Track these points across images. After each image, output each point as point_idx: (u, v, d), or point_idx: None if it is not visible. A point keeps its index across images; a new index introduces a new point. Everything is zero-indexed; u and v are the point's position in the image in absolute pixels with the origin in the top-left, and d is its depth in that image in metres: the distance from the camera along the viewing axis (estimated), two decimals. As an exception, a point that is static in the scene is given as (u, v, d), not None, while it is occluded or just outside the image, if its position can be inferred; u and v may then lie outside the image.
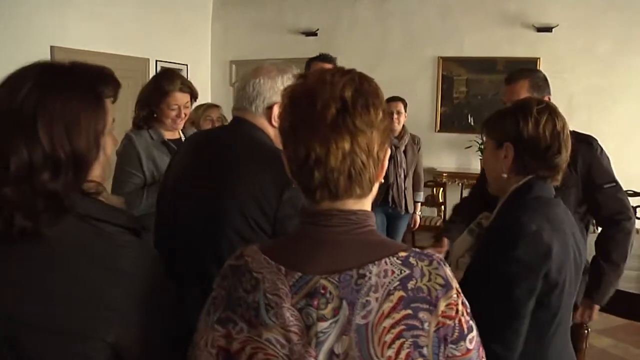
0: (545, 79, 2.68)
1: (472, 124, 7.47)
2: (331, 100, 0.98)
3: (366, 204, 1.07)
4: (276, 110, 1.80)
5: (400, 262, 0.99)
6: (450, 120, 7.62)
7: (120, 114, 5.09)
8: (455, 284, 1.00)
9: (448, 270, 1.02)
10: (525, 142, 1.67)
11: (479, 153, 7.02)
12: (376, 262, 0.98)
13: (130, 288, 1.07)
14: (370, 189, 1.06)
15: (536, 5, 7.14)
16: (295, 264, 1.00)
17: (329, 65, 3.65)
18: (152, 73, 7.57)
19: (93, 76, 1.13)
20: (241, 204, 1.69)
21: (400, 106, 4.87)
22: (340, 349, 0.95)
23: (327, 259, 1.00)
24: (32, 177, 1.01)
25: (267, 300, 0.99)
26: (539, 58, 7.11)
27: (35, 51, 5.94)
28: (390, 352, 0.94)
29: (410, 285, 0.97)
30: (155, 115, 3.03)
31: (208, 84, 8.95)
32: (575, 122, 6.99)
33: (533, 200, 1.66)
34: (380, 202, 4.81)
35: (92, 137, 1.09)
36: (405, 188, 4.87)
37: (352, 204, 1.04)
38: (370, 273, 0.97)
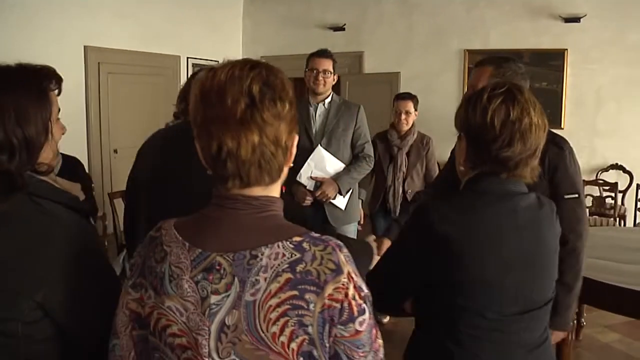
0: (521, 72, 2.35)
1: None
2: (240, 95, 1.05)
3: (273, 191, 1.15)
4: None
5: (292, 246, 1.06)
6: (477, 112, 7.58)
7: (151, 108, 5.31)
8: (347, 269, 1.06)
9: (342, 256, 1.07)
10: (472, 132, 1.55)
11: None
12: (269, 245, 1.05)
13: (57, 254, 1.25)
14: (279, 176, 1.14)
15: (563, -5, 7.08)
16: (198, 241, 1.10)
17: (327, 62, 3.70)
18: (183, 70, 7.78)
19: (37, 74, 1.33)
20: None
21: (410, 105, 4.52)
22: (230, 321, 1.04)
23: (226, 238, 1.09)
24: None
25: (171, 272, 1.09)
26: (566, 49, 7.06)
27: (69, 51, 6.22)
28: (275, 329, 1.02)
29: (299, 268, 1.03)
30: None
31: (240, 80, 9.10)
32: (604, 113, 7.00)
33: (468, 192, 1.60)
34: (379, 207, 4.59)
35: (40, 124, 1.30)
36: (404, 192, 4.48)
37: (260, 191, 1.12)
38: (262, 254, 1.05)
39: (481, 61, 2.46)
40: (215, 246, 1.09)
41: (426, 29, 7.88)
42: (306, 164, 3.60)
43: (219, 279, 1.06)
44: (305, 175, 3.60)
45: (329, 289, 1.03)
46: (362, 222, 4.31)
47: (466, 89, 2.53)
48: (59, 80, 1.37)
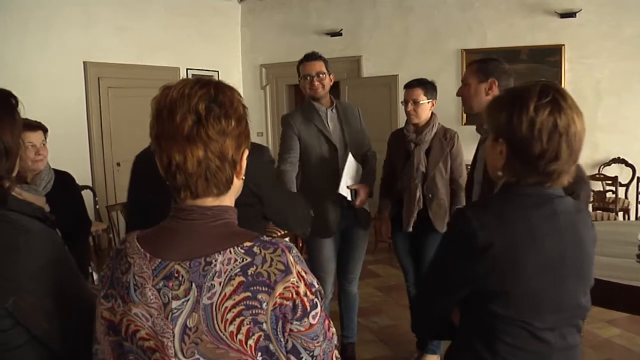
0: (505, 69, 2.63)
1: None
2: (187, 113, 1.13)
3: (226, 200, 1.23)
4: None
5: (243, 251, 1.14)
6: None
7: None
8: (296, 268, 1.14)
9: (291, 257, 1.15)
10: (517, 143, 1.47)
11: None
12: (222, 252, 1.14)
13: (24, 262, 1.31)
14: (228, 188, 1.22)
15: (558, -9, 7.10)
16: (158, 251, 1.18)
17: (318, 64, 3.59)
18: (182, 82, 7.82)
19: (2, 91, 1.46)
20: None
21: (418, 94, 3.67)
22: (191, 323, 1.12)
23: (182, 248, 1.17)
24: None
25: (135, 281, 1.17)
26: (563, 45, 7.08)
27: (69, 67, 6.28)
28: (232, 328, 1.10)
29: (251, 271, 1.11)
30: None
31: (240, 89, 9.14)
32: (604, 107, 6.99)
33: (507, 196, 1.54)
34: (395, 215, 3.84)
35: (15, 135, 1.42)
36: (424, 197, 3.68)
37: (211, 202, 1.20)
38: (215, 261, 1.13)
39: (469, 62, 2.70)
40: (173, 255, 1.16)
41: (423, 31, 7.92)
42: (343, 175, 3.50)
43: (178, 285, 1.14)
44: (344, 186, 3.51)
45: (280, 289, 1.11)
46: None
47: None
48: (16, 99, 1.49)
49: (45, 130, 3.07)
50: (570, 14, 7.01)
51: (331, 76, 3.63)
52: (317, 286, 1.18)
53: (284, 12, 8.87)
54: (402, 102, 3.77)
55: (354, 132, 3.67)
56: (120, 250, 1.24)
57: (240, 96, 1.23)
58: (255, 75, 9.28)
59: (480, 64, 2.67)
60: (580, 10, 6.97)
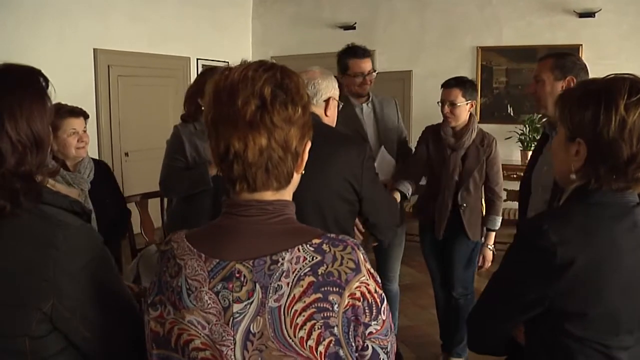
0: (581, 64, 2.48)
1: (512, 114, 7.37)
2: (251, 97, 1.03)
3: (285, 195, 1.13)
4: (331, 103, 2.37)
5: (312, 249, 1.05)
6: (490, 110, 7.51)
7: (162, 110, 5.31)
8: (365, 267, 1.06)
9: (361, 255, 1.07)
10: (603, 146, 1.33)
11: (519, 144, 6.93)
12: (289, 250, 1.04)
13: (63, 261, 1.18)
14: (289, 182, 1.12)
15: (577, -10, 6.97)
16: (215, 251, 1.07)
17: (369, 61, 3.58)
18: (193, 71, 7.77)
19: (31, 73, 1.30)
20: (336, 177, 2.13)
21: (456, 95, 3.38)
22: (255, 328, 1.02)
23: (243, 246, 1.06)
24: (3, 163, 1.19)
25: (188, 285, 1.06)
26: (581, 45, 6.94)
27: (79, 54, 6.21)
28: (302, 333, 1.01)
29: (321, 270, 1.02)
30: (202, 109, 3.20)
31: (250, 81, 9.09)
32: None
33: (583, 206, 1.39)
34: (426, 218, 3.70)
35: (45, 123, 1.27)
36: (455, 205, 3.48)
37: (270, 195, 1.10)
38: (282, 259, 1.03)
39: (542, 56, 2.56)
40: (234, 254, 1.07)
41: (439, 26, 7.79)
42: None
43: (240, 286, 1.05)
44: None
45: (351, 288, 1.03)
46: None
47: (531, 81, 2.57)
48: (47, 80, 1.34)
49: (86, 117, 3.03)
50: (590, 14, 6.89)
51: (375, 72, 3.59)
52: (379, 280, 1.11)
53: (297, 4, 8.76)
54: (438, 103, 3.49)
55: (389, 127, 3.63)
56: (165, 251, 1.14)
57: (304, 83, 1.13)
58: (266, 67, 9.17)
59: (557, 59, 2.45)
60: (600, 10, 6.84)
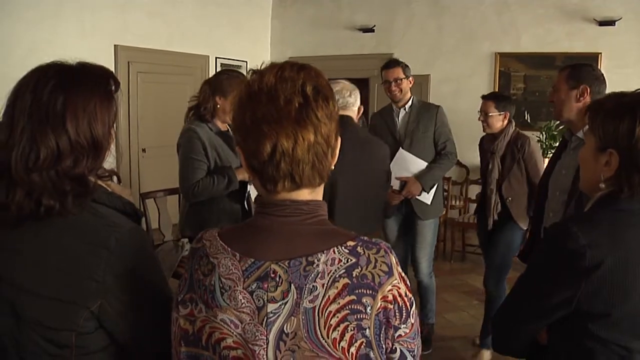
0: (596, 75, 2.64)
1: (529, 121, 7.35)
2: (293, 95, 1.05)
3: (319, 194, 1.15)
4: (359, 110, 3.00)
5: (347, 251, 1.06)
6: (507, 117, 7.49)
7: (179, 107, 5.26)
8: (397, 270, 1.08)
9: (393, 258, 1.09)
10: (637, 157, 1.38)
11: (536, 151, 6.93)
12: (325, 251, 1.05)
13: (114, 263, 1.20)
14: (327, 177, 1.13)
15: (597, -2, 6.95)
16: (249, 250, 1.08)
17: (396, 70, 4.01)
18: (212, 70, 7.81)
19: (102, 75, 1.30)
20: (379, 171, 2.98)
21: (489, 106, 3.95)
22: (289, 328, 1.03)
23: (279, 246, 1.07)
24: (59, 163, 1.19)
25: (221, 284, 1.07)
26: (600, 53, 6.92)
27: (100, 50, 6.28)
28: (335, 334, 1.02)
29: (355, 272, 1.04)
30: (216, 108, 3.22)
31: (267, 81, 9.13)
32: None
33: (611, 212, 1.44)
34: (480, 215, 4.19)
35: (107, 127, 1.27)
36: (502, 199, 3.93)
37: (307, 194, 1.11)
38: (318, 261, 1.05)
39: (563, 67, 2.76)
40: (269, 254, 1.07)
41: (457, 31, 7.80)
42: (390, 166, 3.74)
43: (275, 286, 1.05)
44: (393, 177, 3.78)
45: (384, 291, 1.05)
46: None
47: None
48: (118, 83, 1.34)
49: None
50: (610, 22, 6.87)
51: (410, 79, 4.08)
52: (409, 285, 1.13)
53: (316, 6, 8.79)
54: (478, 111, 4.06)
55: (421, 131, 4.02)
56: (196, 249, 1.15)
57: None
58: (284, 67, 9.20)
59: (572, 70, 2.63)
60: (621, 18, 6.81)
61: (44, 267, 1.21)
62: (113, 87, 1.31)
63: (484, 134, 4.14)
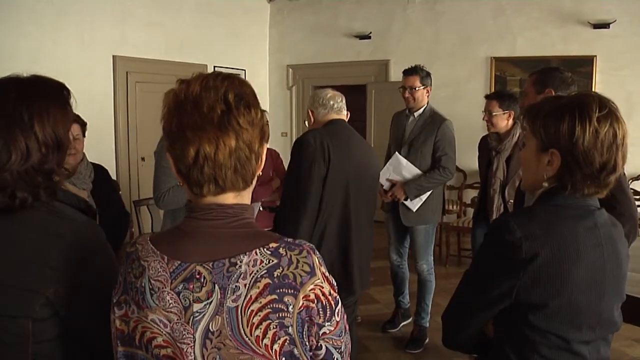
0: (563, 78, 2.70)
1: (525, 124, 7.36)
2: (216, 102, 1.10)
3: (245, 198, 1.20)
4: (347, 116, 3.08)
5: (269, 252, 1.10)
6: (504, 120, 7.53)
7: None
8: (320, 270, 1.12)
9: (316, 258, 1.13)
10: (578, 155, 1.44)
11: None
12: (247, 253, 1.10)
13: (67, 251, 1.29)
14: (252, 182, 1.18)
15: (592, 1, 7.00)
16: (176, 253, 1.13)
17: (413, 78, 4.09)
18: (210, 79, 7.85)
19: (57, 86, 1.45)
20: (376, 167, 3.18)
21: (493, 105, 3.90)
22: (214, 327, 1.08)
23: (204, 248, 1.12)
24: (29, 160, 1.32)
25: (151, 285, 1.12)
26: (595, 56, 6.97)
27: (99, 61, 6.35)
28: (258, 332, 1.07)
29: (277, 273, 1.08)
30: None
31: (266, 88, 9.20)
32: (636, 121, 6.87)
33: (548, 207, 1.50)
34: (478, 217, 4.16)
35: (66, 128, 1.41)
36: (504, 201, 3.89)
37: (232, 198, 1.16)
38: (240, 262, 1.09)
39: (531, 72, 2.80)
40: (194, 256, 1.12)
41: (453, 36, 7.86)
42: (385, 166, 4.08)
43: (200, 287, 1.09)
44: (383, 176, 3.97)
45: (305, 290, 1.09)
46: None
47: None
48: (70, 92, 1.47)
49: (82, 124, 3.04)
50: (604, 25, 6.92)
51: (428, 88, 4.14)
52: (334, 283, 1.17)
53: (313, 13, 8.86)
54: (482, 111, 4.01)
55: (421, 140, 4.10)
56: (130, 253, 1.20)
57: None
58: (282, 75, 9.27)
59: (538, 74, 2.69)
60: (615, 20, 6.86)
61: (6, 258, 1.30)
62: (67, 95, 1.45)
63: (485, 134, 4.13)
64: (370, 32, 8.38)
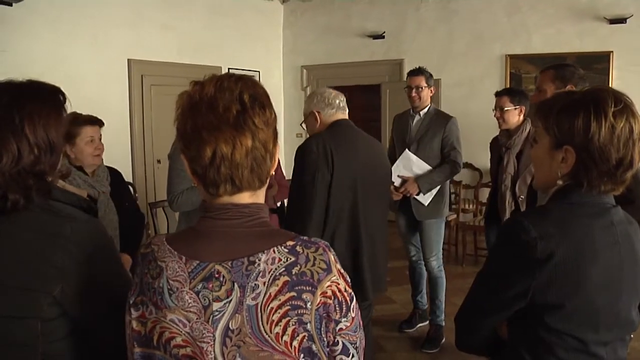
0: (580, 74, 2.68)
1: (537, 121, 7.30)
2: (231, 103, 1.12)
3: (260, 197, 1.21)
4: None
5: (287, 250, 1.12)
6: (520, 118, 7.48)
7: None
8: (336, 267, 1.15)
9: (332, 256, 1.15)
10: (593, 151, 1.40)
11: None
12: (265, 251, 1.11)
13: (71, 249, 1.31)
14: (267, 181, 1.20)
15: (608, -4, 6.92)
16: (194, 253, 1.14)
17: (418, 78, 4.25)
18: (224, 81, 7.88)
19: (52, 90, 1.46)
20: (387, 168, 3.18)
21: (504, 101, 3.90)
22: (234, 325, 1.10)
23: (221, 248, 1.14)
24: (20, 162, 1.34)
25: (169, 285, 1.13)
26: (612, 51, 6.91)
27: (114, 64, 6.39)
28: (278, 329, 1.09)
29: (295, 270, 1.10)
30: None
31: (280, 90, 9.21)
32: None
33: (563, 205, 1.46)
34: (490, 215, 4.13)
35: (60, 131, 1.42)
36: (515, 197, 3.85)
37: (248, 197, 1.18)
38: (259, 260, 1.11)
39: (543, 68, 2.76)
40: (213, 256, 1.13)
41: (467, 34, 7.82)
42: (395, 164, 4.17)
43: (219, 286, 1.11)
44: (394, 174, 3.97)
45: (323, 287, 1.11)
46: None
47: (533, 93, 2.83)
48: (65, 96, 1.49)
49: (101, 125, 3.07)
50: (620, 20, 6.85)
51: (431, 88, 4.32)
52: (349, 280, 1.19)
53: (326, 14, 8.86)
54: (493, 109, 4.02)
55: (428, 137, 4.23)
56: (146, 254, 1.21)
57: None
58: (296, 76, 9.29)
59: (558, 70, 2.64)
60: (632, 15, 6.79)
61: (5, 260, 1.31)
62: (62, 100, 1.46)
63: (496, 135, 4.10)
64: (384, 32, 8.36)
